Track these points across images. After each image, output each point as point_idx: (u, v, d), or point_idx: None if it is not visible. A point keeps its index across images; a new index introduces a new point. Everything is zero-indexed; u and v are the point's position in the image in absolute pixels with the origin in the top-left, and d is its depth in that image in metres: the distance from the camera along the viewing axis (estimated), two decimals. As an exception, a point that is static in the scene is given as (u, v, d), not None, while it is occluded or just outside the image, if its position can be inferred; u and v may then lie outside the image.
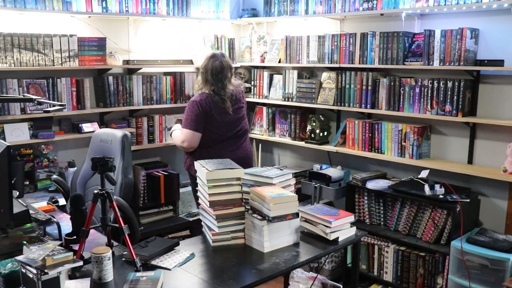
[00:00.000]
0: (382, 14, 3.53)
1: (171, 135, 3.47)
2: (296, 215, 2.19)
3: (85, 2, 3.56)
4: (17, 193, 2.85)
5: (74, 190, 2.97)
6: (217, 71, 3.18)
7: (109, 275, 1.83)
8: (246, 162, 3.25)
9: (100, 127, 3.63)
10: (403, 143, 3.39)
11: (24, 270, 1.71)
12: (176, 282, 1.87)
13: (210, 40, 4.36)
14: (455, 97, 3.11)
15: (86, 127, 3.62)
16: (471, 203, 3.07)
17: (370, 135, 3.58)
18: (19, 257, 1.74)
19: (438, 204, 3.08)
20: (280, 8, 4.20)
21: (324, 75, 3.88)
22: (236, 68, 4.56)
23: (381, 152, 3.53)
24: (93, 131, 3.37)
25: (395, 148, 3.43)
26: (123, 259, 2.02)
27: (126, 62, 3.86)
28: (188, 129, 3.15)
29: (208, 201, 2.15)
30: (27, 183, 3.33)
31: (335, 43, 3.72)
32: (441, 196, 3.04)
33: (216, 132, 3.17)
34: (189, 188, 4.07)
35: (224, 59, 3.23)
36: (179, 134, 3.25)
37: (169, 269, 1.96)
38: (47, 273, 1.65)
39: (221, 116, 3.16)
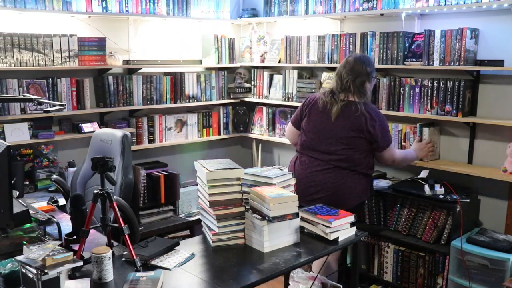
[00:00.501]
0: (382, 14, 3.53)
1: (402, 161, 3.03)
2: (296, 215, 2.19)
3: (85, 2, 3.56)
4: (17, 193, 2.85)
5: (74, 190, 2.97)
6: None
7: (109, 275, 1.83)
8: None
9: (100, 127, 3.63)
10: (403, 143, 3.39)
11: (24, 270, 1.71)
12: (176, 282, 1.87)
13: (209, 41, 4.36)
14: (455, 97, 3.11)
15: (86, 127, 3.62)
16: (471, 203, 3.07)
17: None
18: (19, 257, 1.74)
19: (438, 204, 3.08)
20: (280, 8, 4.20)
21: (324, 75, 3.88)
22: (236, 68, 4.57)
23: None
24: (93, 131, 3.37)
25: (395, 148, 3.42)
26: (123, 259, 2.02)
27: (126, 62, 3.86)
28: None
29: (208, 201, 2.15)
30: (27, 183, 3.33)
31: (335, 43, 3.72)
32: (441, 196, 3.04)
33: None
34: (189, 188, 4.07)
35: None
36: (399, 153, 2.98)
37: (169, 269, 1.96)
38: (47, 273, 1.65)
39: None
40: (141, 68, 3.94)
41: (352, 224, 2.35)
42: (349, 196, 2.81)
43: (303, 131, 2.92)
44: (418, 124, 3.30)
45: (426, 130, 3.26)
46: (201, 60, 4.33)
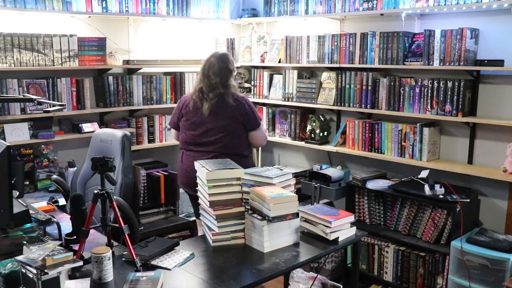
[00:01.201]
0: (382, 14, 3.53)
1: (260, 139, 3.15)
2: (296, 215, 2.19)
3: (85, 2, 3.57)
4: (17, 193, 2.85)
5: (74, 190, 2.97)
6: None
7: (109, 275, 1.83)
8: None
9: (100, 127, 3.63)
10: (403, 143, 3.39)
11: (24, 270, 1.71)
12: (176, 282, 1.87)
13: (221, 43, 4.40)
14: (455, 97, 3.11)
15: (86, 127, 3.62)
16: (471, 203, 3.07)
17: (370, 135, 3.58)
18: (19, 257, 1.74)
19: (438, 204, 3.08)
20: (280, 8, 4.20)
21: (324, 75, 3.89)
22: (236, 68, 4.56)
23: (381, 152, 3.53)
24: (93, 131, 3.37)
25: (395, 148, 3.43)
26: (123, 259, 2.02)
27: (126, 62, 3.86)
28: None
29: (208, 201, 2.15)
30: (27, 183, 3.33)
31: (335, 43, 3.72)
32: (441, 196, 3.04)
33: None
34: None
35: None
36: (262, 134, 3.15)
37: (169, 269, 1.96)
38: (47, 273, 1.65)
39: None
40: (141, 68, 3.94)
41: (352, 224, 2.35)
42: None
43: (182, 130, 3.10)
44: (418, 124, 3.30)
45: (426, 130, 3.26)
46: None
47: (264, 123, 4.36)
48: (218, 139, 2.96)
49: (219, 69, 2.99)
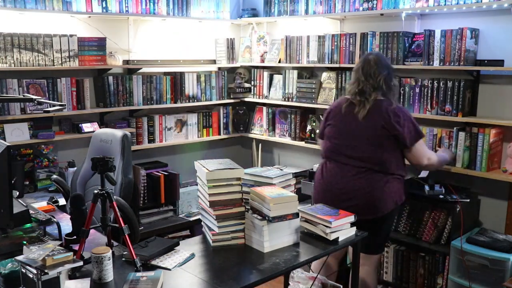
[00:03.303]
0: (382, 14, 3.53)
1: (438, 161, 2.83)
2: (296, 215, 2.19)
3: (85, 2, 3.56)
4: (17, 193, 2.84)
5: (74, 190, 2.97)
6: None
7: (109, 275, 1.83)
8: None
9: (100, 127, 3.63)
10: (437, 148, 3.23)
11: (24, 270, 1.71)
12: (176, 282, 1.87)
13: (221, 43, 4.41)
14: (455, 97, 3.11)
15: (86, 127, 3.62)
16: (471, 203, 3.07)
17: None
18: (19, 257, 1.74)
19: (438, 204, 3.08)
20: (280, 8, 4.20)
21: (324, 75, 3.89)
22: (236, 68, 4.57)
23: None
24: (93, 131, 3.37)
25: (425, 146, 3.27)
26: (123, 259, 2.02)
27: (126, 62, 3.86)
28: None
29: (208, 201, 2.15)
30: (27, 183, 3.33)
31: (335, 43, 3.72)
32: (441, 196, 3.04)
33: None
34: (189, 188, 4.07)
35: None
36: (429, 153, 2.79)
37: (169, 269, 1.96)
38: (47, 273, 1.65)
39: None
40: (141, 68, 3.94)
41: (352, 224, 2.35)
42: (383, 201, 2.64)
43: (327, 138, 2.83)
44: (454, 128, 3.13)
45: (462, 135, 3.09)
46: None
47: (264, 124, 4.36)
48: (367, 152, 2.63)
49: (381, 64, 2.69)
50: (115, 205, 1.98)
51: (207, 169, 2.16)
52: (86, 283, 1.77)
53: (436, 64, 3.16)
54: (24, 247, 1.99)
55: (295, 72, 4.09)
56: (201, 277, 1.91)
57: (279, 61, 4.23)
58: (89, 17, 3.68)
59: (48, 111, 2.63)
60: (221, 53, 4.44)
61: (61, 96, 3.54)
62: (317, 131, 3.86)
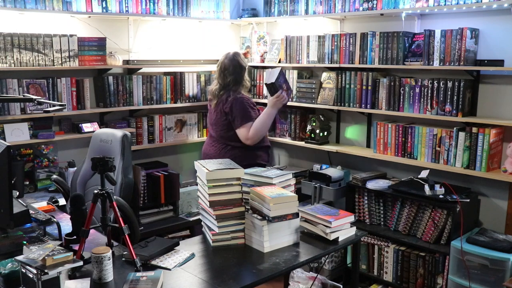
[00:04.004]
0: (382, 14, 3.53)
1: (259, 130, 3.45)
2: (296, 215, 2.19)
3: (85, 2, 3.57)
4: (17, 193, 2.85)
5: (74, 190, 2.97)
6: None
7: (109, 275, 1.83)
8: None
9: (100, 127, 3.63)
10: (437, 148, 3.23)
11: (24, 270, 1.71)
12: (176, 282, 1.87)
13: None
14: (455, 97, 3.11)
15: (86, 127, 3.62)
16: (471, 203, 3.07)
17: (403, 139, 3.44)
18: (19, 257, 1.74)
19: (438, 204, 3.08)
20: (280, 8, 4.20)
21: (324, 75, 3.89)
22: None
23: (413, 157, 3.37)
24: (93, 131, 3.37)
25: (429, 153, 3.28)
26: (123, 259, 2.02)
27: (126, 62, 3.86)
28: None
29: (208, 201, 2.15)
30: (27, 183, 3.33)
31: (335, 43, 3.72)
32: (441, 196, 3.04)
33: None
34: (189, 188, 4.07)
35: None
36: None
37: (169, 269, 1.96)
38: (47, 273, 1.65)
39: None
40: (141, 68, 3.94)
41: (352, 224, 2.35)
42: None
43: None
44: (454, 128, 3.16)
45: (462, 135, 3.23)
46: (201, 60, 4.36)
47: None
48: (217, 129, 3.54)
49: (233, 68, 3.52)
50: (115, 205, 1.99)
51: (207, 169, 2.16)
52: (86, 283, 1.77)
53: (436, 64, 3.16)
54: (24, 247, 1.99)
55: (295, 72, 4.09)
56: (201, 277, 1.91)
57: (279, 61, 4.22)
58: (89, 17, 3.68)
59: (48, 111, 2.63)
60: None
61: (61, 96, 3.54)
62: (317, 131, 3.87)
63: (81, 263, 1.81)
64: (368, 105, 3.56)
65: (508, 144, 3.01)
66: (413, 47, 3.34)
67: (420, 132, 3.30)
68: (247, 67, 3.61)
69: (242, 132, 3.41)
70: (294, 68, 4.14)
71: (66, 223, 2.40)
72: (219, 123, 3.52)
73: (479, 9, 3.06)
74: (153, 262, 2.01)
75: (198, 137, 4.33)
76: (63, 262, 1.72)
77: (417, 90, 3.29)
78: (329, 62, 3.79)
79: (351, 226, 2.35)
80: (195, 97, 4.25)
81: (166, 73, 4.15)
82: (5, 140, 2.66)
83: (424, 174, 3.25)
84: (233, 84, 3.49)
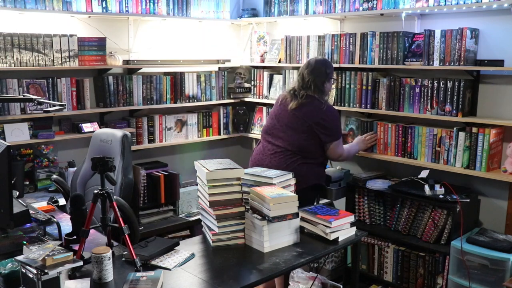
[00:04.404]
0: (382, 14, 3.53)
1: (348, 155, 3.29)
2: (296, 215, 2.19)
3: (85, 2, 3.57)
4: (17, 193, 2.85)
5: (74, 190, 2.97)
6: None
7: (109, 275, 1.83)
8: None
9: (100, 127, 3.63)
10: (437, 148, 3.22)
11: (24, 270, 1.71)
12: (176, 282, 1.87)
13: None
14: (455, 97, 3.11)
15: (86, 127, 3.62)
16: (471, 203, 3.07)
17: (403, 139, 3.45)
18: (19, 257, 1.74)
19: (438, 204, 3.08)
20: (280, 8, 4.20)
21: (324, 75, 3.88)
22: (236, 68, 4.57)
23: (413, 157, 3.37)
24: (93, 131, 3.37)
25: (429, 153, 3.28)
26: (123, 259, 2.02)
27: (126, 62, 3.86)
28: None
29: (208, 201, 2.15)
30: (27, 183, 3.33)
31: (335, 43, 3.72)
32: (441, 196, 3.04)
33: None
34: (189, 188, 4.07)
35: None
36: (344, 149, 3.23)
37: (169, 269, 1.96)
38: (47, 273, 1.65)
39: None
40: (141, 68, 3.94)
41: (352, 224, 2.35)
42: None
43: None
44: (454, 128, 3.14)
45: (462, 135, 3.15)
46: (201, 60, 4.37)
47: (264, 124, 4.36)
48: (289, 137, 3.08)
49: (314, 69, 3.12)
50: (115, 205, 1.99)
51: (207, 169, 2.16)
52: (86, 283, 1.77)
53: (436, 64, 3.16)
54: (24, 247, 1.99)
55: (295, 72, 4.08)
56: (201, 277, 1.91)
57: (279, 61, 4.23)
58: (89, 17, 3.68)
59: (48, 111, 2.63)
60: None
61: (61, 96, 3.54)
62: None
63: (81, 263, 1.81)
64: (368, 105, 3.56)
65: (508, 144, 3.01)
66: (413, 47, 3.34)
67: (420, 132, 3.30)
68: (332, 76, 3.20)
69: (336, 147, 3.08)
70: (294, 68, 4.14)
71: (66, 223, 2.40)
72: (299, 129, 3.03)
73: (479, 9, 3.06)
74: (153, 262, 2.01)
75: (198, 137, 4.33)
76: (63, 262, 1.72)
77: (417, 90, 3.29)
78: (329, 62, 3.79)
79: (351, 226, 2.35)
80: (195, 97, 4.25)
81: (166, 73, 4.15)
82: (5, 140, 2.66)
83: (424, 174, 3.25)
84: (314, 86, 3.08)
